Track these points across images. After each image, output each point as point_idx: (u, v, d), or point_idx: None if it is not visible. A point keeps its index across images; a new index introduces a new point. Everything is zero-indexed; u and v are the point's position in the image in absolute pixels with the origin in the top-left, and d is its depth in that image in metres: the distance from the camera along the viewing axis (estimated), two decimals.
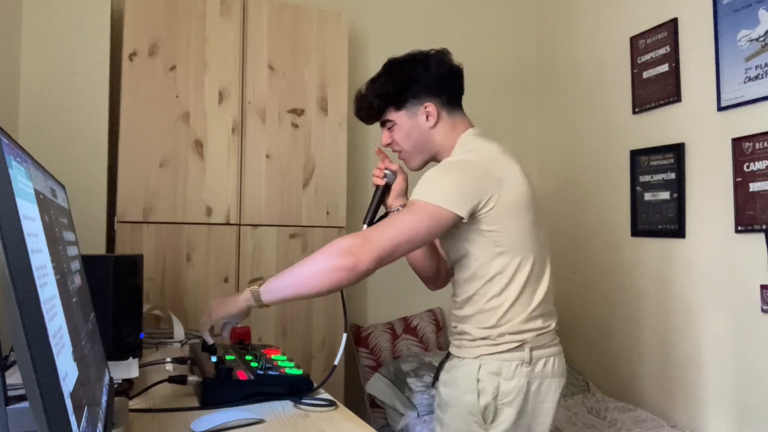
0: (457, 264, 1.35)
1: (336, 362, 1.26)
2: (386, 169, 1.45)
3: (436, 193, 1.22)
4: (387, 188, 1.46)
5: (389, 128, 1.41)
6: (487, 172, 1.25)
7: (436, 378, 1.45)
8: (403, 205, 1.40)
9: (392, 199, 1.46)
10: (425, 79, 1.36)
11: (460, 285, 1.36)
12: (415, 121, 1.37)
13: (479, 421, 1.28)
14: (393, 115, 1.38)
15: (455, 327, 1.39)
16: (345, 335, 1.31)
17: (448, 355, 1.42)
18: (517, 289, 1.29)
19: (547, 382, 1.31)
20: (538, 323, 1.31)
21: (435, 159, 1.41)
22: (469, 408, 1.29)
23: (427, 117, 1.36)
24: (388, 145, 1.43)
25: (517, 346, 1.28)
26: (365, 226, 1.38)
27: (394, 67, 1.40)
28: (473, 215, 1.23)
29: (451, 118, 1.39)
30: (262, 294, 1.22)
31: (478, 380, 1.28)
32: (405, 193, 1.46)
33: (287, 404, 1.06)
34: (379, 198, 1.46)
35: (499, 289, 1.29)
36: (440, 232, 1.23)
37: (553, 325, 1.35)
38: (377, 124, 1.44)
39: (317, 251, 1.19)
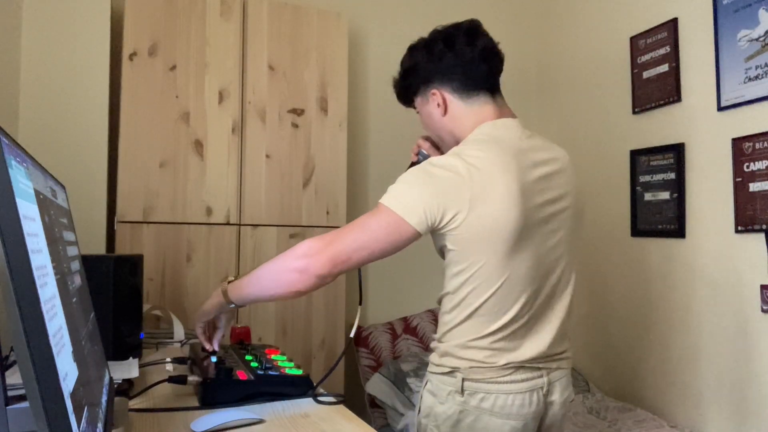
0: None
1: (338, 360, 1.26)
2: (420, 148, 1.39)
3: (401, 198, 1.10)
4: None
5: (418, 113, 1.35)
6: (460, 185, 1.08)
7: None
8: None
9: None
10: (427, 64, 1.25)
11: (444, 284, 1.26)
12: (429, 109, 1.29)
13: None
14: (417, 103, 1.33)
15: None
16: (353, 332, 1.29)
17: None
18: (467, 313, 1.14)
19: (486, 420, 1.14)
20: (479, 355, 1.14)
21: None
22: (412, 419, 1.25)
23: (438, 104, 1.26)
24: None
25: (450, 372, 1.16)
26: None
27: (408, 51, 1.32)
28: (434, 230, 1.11)
29: (467, 105, 1.23)
30: (228, 292, 1.20)
31: (420, 395, 1.23)
32: None
33: (287, 404, 1.06)
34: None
35: (451, 306, 1.17)
36: (402, 243, 1.10)
37: (504, 361, 1.15)
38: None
39: (280, 255, 1.14)
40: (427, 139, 1.40)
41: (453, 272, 1.15)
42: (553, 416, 1.25)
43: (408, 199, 1.09)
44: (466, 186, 1.08)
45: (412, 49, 1.30)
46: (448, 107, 1.25)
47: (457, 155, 1.13)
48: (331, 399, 1.09)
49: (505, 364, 1.15)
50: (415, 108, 1.35)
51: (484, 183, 1.09)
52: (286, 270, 1.09)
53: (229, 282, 1.21)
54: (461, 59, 1.23)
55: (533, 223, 1.13)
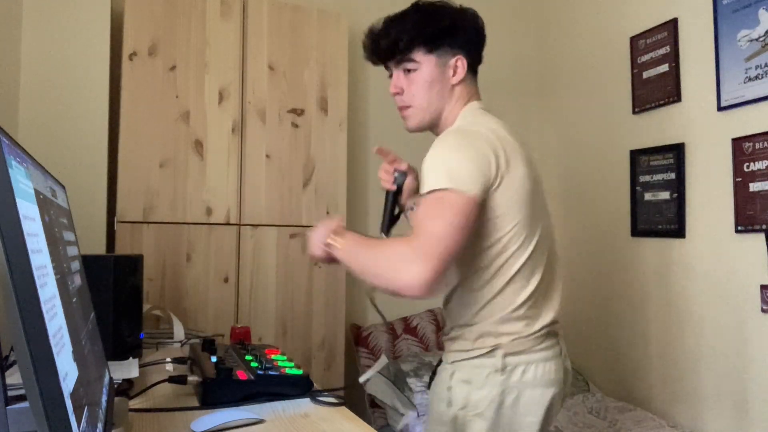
0: None
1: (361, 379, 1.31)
2: (395, 171, 1.32)
3: (459, 175, 1.07)
4: (398, 190, 1.33)
5: (407, 71, 1.23)
6: (497, 149, 1.12)
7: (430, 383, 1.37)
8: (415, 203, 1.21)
9: (405, 198, 1.34)
10: (465, 30, 1.23)
11: (449, 279, 1.22)
12: (442, 72, 1.22)
13: (450, 431, 1.18)
14: (421, 57, 1.21)
15: (444, 326, 1.31)
16: (384, 357, 1.30)
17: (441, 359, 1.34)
18: (501, 284, 1.16)
19: (529, 394, 1.15)
20: (517, 326, 1.16)
21: (434, 123, 1.26)
22: (440, 417, 1.20)
23: (454, 71, 1.22)
24: (397, 93, 1.26)
25: (489, 351, 1.16)
26: (383, 235, 1.29)
27: (430, 7, 1.23)
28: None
29: (468, 85, 1.25)
30: (338, 250, 1.17)
31: (449, 388, 1.19)
32: (418, 188, 1.29)
33: (287, 404, 1.06)
34: (391, 202, 1.33)
35: (482, 282, 1.17)
36: (476, 219, 1.08)
37: (538, 326, 1.18)
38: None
39: (391, 250, 1.07)
40: (387, 157, 1.36)
41: (486, 245, 1.15)
42: (568, 384, 1.28)
43: (464, 175, 1.08)
44: (500, 149, 1.13)
45: (444, 7, 1.23)
46: (462, 79, 1.24)
47: (477, 125, 1.17)
48: (331, 399, 1.08)
49: (538, 330, 1.18)
50: (399, 63, 1.24)
51: (508, 147, 1.15)
52: (398, 280, 1.03)
53: (340, 241, 1.17)
54: (481, 37, 1.27)
55: (537, 185, 1.21)
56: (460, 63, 1.23)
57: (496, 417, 1.14)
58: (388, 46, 1.22)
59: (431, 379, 1.34)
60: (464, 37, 1.23)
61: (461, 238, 1.05)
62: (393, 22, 1.23)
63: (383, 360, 1.42)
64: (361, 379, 1.33)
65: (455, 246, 1.04)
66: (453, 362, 1.21)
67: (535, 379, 1.16)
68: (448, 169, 1.08)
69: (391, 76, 1.28)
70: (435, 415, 1.24)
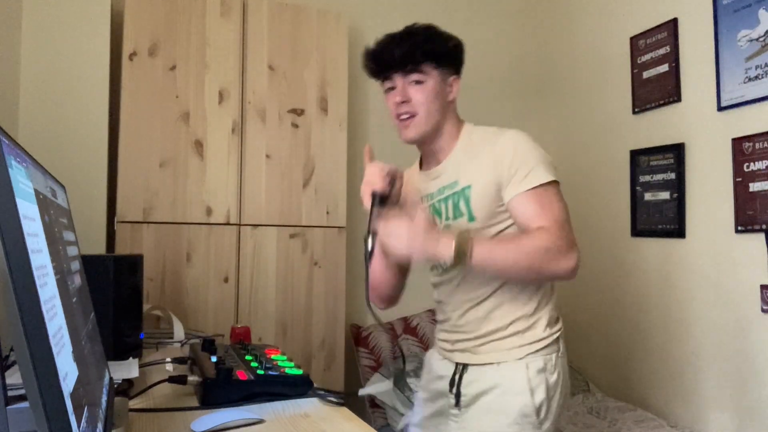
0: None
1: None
2: (374, 190, 1.26)
3: (552, 169, 1.25)
4: (382, 201, 1.26)
5: (415, 82, 1.28)
6: None
7: (457, 398, 1.33)
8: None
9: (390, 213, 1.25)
10: (461, 56, 1.37)
11: (484, 277, 1.28)
12: (443, 88, 1.31)
13: (533, 422, 1.24)
14: (429, 70, 1.29)
15: (473, 331, 1.31)
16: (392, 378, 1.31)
17: (464, 368, 1.33)
18: None
19: (563, 364, 1.32)
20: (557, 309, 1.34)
21: (431, 136, 1.32)
22: (522, 410, 1.24)
23: (451, 89, 1.34)
24: (403, 102, 1.28)
25: (558, 337, 1.30)
26: (369, 241, 1.24)
27: (438, 30, 1.35)
28: None
29: (455, 106, 1.38)
30: (473, 258, 1.12)
31: (529, 380, 1.25)
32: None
33: (287, 404, 1.06)
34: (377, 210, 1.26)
35: None
36: None
37: None
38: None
39: (531, 245, 1.15)
40: (367, 183, 1.30)
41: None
42: None
43: (549, 163, 1.26)
44: None
45: (449, 33, 1.36)
46: (455, 95, 1.35)
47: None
48: (332, 399, 1.08)
49: None
50: (402, 69, 1.28)
51: None
52: (555, 268, 1.16)
53: (469, 245, 1.13)
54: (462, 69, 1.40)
55: None
56: (455, 83, 1.35)
57: (563, 390, 1.29)
58: (403, 54, 1.27)
59: (457, 396, 1.32)
60: (460, 62, 1.36)
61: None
62: (406, 35, 1.31)
63: (382, 384, 1.47)
64: (361, 393, 1.35)
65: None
66: (526, 356, 1.27)
67: (565, 350, 1.34)
68: (547, 163, 1.25)
69: (389, 89, 1.32)
70: (510, 412, 1.25)
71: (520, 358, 1.27)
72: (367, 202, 1.26)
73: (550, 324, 1.30)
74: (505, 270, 1.19)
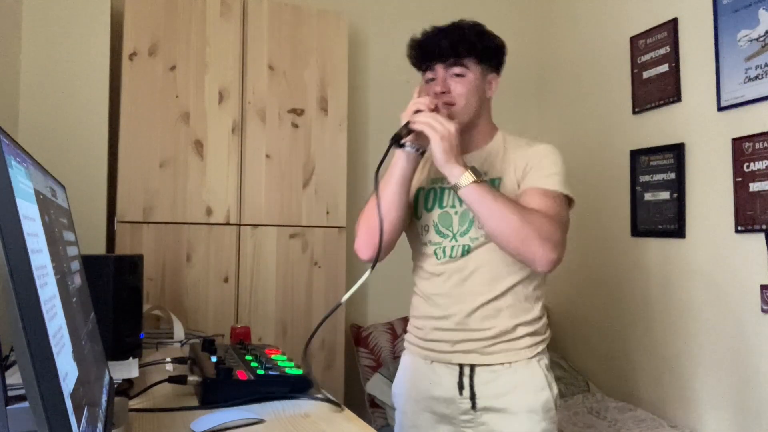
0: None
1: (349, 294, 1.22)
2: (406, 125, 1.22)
3: (567, 183, 1.30)
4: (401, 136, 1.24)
5: (455, 75, 1.31)
6: None
7: (472, 401, 1.30)
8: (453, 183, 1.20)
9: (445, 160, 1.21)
10: (503, 57, 1.40)
11: (497, 272, 1.29)
12: (482, 84, 1.35)
13: (553, 415, 1.30)
14: (471, 65, 1.32)
15: (482, 330, 1.29)
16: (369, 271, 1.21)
17: (471, 369, 1.30)
18: (542, 277, 1.36)
19: None
20: None
21: (466, 127, 1.32)
22: (545, 406, 1.29)
23: (490, 86, 1.37)
24: (443, 93, 1.30)
25: (549, 334, 1.37)
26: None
27: (484, 28, 1.39)
28: None
29: (491, 104, 1.43)
30: (472, 187, 1.17)
31: (545, 375, 1.31)
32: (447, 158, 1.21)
33: (287, 404, 1.06)
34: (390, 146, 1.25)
35: (540, 277, 1.34)
36: None
37: None
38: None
39: (533, 217, 1.18)
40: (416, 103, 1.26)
41: None
42: None
43: (568, 182, 1.31)
44: None
45: (500, 38, 1.40)
46: (493, 92, 1.39)
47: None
48: (330, 397, 1.08)
49: None
50: (446, 60, 1.31)
51: None
52: (539, 247, 1.17)
53: (479, 180, 1.18)
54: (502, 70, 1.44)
55: None
56: (495, 82, 1.38)
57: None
58: (449, 45, 1.31)
59: (472, 399, 1.30)
60: (502, 60, 1.40)
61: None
62: (452, 29, 1.35)
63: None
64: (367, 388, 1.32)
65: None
66: (537, 354, 1.31)
67: None
68: (566, 177, 1.31)
69: (429, 80, 1.35)
70: (536, 410, 1.28)
71: (531, 357, 1.30)
72: (407, 115, 1.23)
73: (546, 325, 1.37)
74: (496, 219, 1.18)
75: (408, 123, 1.22)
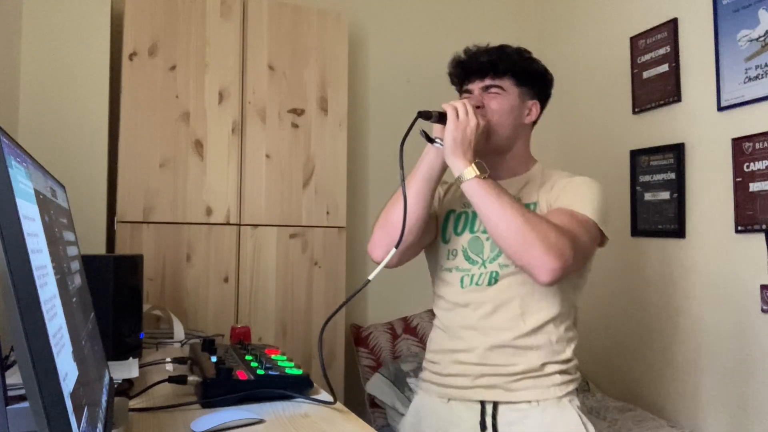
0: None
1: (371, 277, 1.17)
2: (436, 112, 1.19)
3: (602, 213, 1.21)
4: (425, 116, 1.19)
5: (491, 92, 1.27)
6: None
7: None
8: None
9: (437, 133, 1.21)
10: (548, 85, 1.36)
11: (527, 308, 1.21)
12: (520, 107, 1.30)
13: None
14: (508, 86, 1.28)
15: (506, 366, 1.20)
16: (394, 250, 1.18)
17: (494, 407, 1.21)
18: (575, 316, 1.30)
19: None
20: None
21: (500, 149, 1.29)
22: None
23: (529, 112, 1.32)
24: (477, 108, 1.23)
25: (578, 375, 1.28)
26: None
27: (533, 56, 1.34)
28: None
29: (530, 133, 1.37)
30: (475, 181, 1.12)
31: (579, 415, 1.20)
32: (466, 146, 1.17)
33: (287, 404, 1.06)
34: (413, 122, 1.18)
35: (574, 317, 1.28)
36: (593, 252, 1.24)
37: None
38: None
39: (540, 223, 1.10)
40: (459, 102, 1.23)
41: (579, 284, 1.29)
42: None
43: (604, 216, 1.22)
44: None
45: (546, 68, 1.36)
46: (533, 118, 1.33)
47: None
48: (326, 399, 1.08)
49: None
50: (483, 78, 1.28)
51: None
52: (542, 254, 1.08)
53: (484, 177, 1.13)
54: (548, 101, 1.39)
55: None
56: (535, 108, 1.33)
57: None
58: (488, 62, 1.27)
59: (488, 425, 1.22)
60: (545, 88, 1.35)
61: (585, 264, 1.22)
62: (495, 48, 1.30)
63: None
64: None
65: (581, 266, 1.19)
66: (568, 393, 1.22)
67: None
68: (603, 210, 1.22)
69: (466, 93, 1.33)
70: None
71: (562, 396, 1.20)
72: (448, 107, 1.19)
73: (577, 364, 1.27)
74: (497, 217, 1.11)
75: (436, 113, 1.19)
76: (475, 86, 1.29)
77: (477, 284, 1.24)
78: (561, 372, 1.21)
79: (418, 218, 1.22)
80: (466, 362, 1.23)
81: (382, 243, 1.24)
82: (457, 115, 1.15)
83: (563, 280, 1.12)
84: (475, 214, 1.28)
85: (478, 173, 1.13)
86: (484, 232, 1.26)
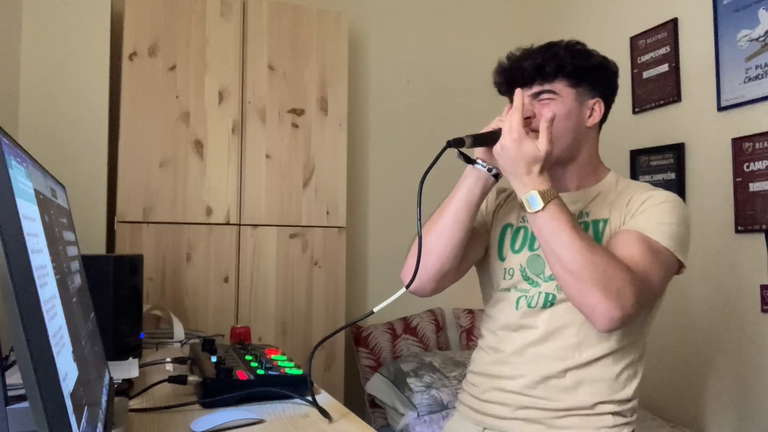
0: None
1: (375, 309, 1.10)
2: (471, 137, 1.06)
3: (681, 242, 1.06)
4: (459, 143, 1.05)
5: (542, 100, 1.13)
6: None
7: None
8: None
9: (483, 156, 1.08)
10: (610, 76, 1.21)
11: (585, 338, 1.08)
12: (579, 109, 1.15)
13: None
14: (561, 88, 1.13)
15: (552, 401, 1.08)
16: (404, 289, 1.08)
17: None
18: (642, 353, 1.14)
19: None
20: None
21: (561, 159, 1.16)
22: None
23: (591, 113, 1.17)
24: (528, 118, 1.09)
25: (635, 418, 1.15)
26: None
27: (579, 45, 1.20)
28: None
29: (598, 135, 1.22)
30: (541, 215, 0.98)
31: None
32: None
33: (287, 404, 1.06)
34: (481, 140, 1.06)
35: (639, 351, 1.12)
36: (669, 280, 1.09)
37: None
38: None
39: (605, 261, 0.96)
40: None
41: (648, 317, 1.14)
42: None
43: (684, 243, 1.08)
44: None
45: (593, 50, 1.21)
46: (596, 119, 1.20)
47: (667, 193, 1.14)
48: (325, 400, 1.08)
49: None
50: (531, 85, 1.14)
51: None
52: (601, 300, 0.95)
53: (551, 199, 0.99)
54: (616, 89, 1.25)
55: None
56: (598, 106, 1.18)
57: None
58: (532, 68, 1.12)
59: None
60: (607, 82, 1.20)
61: (654, 304, 1.10)
62: (541, 48, 1.16)
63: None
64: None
65: (647, 309, 1.08)
66: (610, 427, 1.09)
67: None
68: (683, 235, 1.07)
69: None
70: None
71: (603, 428, 1.08)
72: (496, 123, 1.06)
73: (635, 406, 1.14)
74: (554, 250, 0.97)
75: (479, 135, 1.05)
76: (529, 92, 1.14)
77: (531, 307, 1.12)
78: (615, 413, 1.09)
79: (455, 246, 1.11)
80: (509, 390, 1.11)
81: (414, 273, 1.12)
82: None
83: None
84: (523, 228, 1.20)
85: (542, 204, 0.98)
86: None
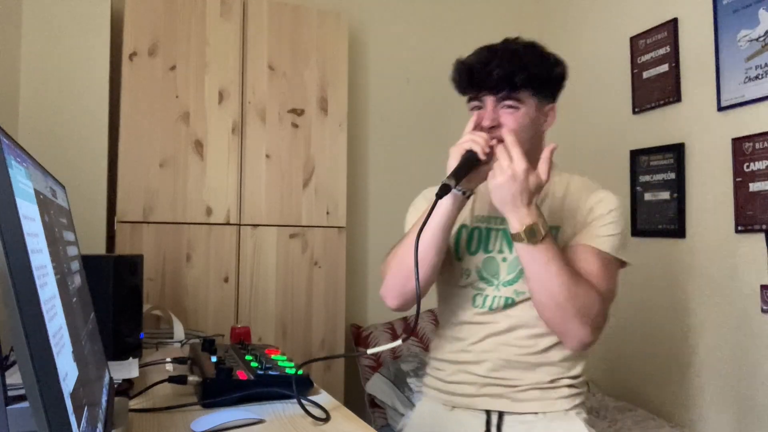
0: None
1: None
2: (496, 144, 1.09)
3: (624, 246, 1.19)
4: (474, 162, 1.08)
5: (507, 108, 1.14)
6: None
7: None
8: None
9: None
10: (564, 82, 1.25)
11: (540, 330, 1.19)
12: (537, 116, 1.18)
13: None
14: (526, 97, 1.15)
15: (514, 380, 1.18)
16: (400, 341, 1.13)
17: (500, 417, 1.18)
18: None
19: None
20: None
21: None
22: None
23: (546, 118, 1.21)
24: (493, 127, 1.13)
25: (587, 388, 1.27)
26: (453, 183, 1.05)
27: (545, 51, 1.23)
28: None
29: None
30: (535, 247, 1.04)
31: (587, 429, 1.19)
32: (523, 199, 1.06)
33: (287, 404, 1.06)
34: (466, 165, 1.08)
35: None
36: None
37: None
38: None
39: (582, 293, 1.07)
40: (468, 140, 1.12)
41: None
42: None
43: (626, 243, 1.21)
44: None
45: (555, 55, 1.26)
46: (550, 124, 1.24)
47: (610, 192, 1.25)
48: (319, 410, 1.08)
49: None
50: (497, 92, 1.14)
51: None
52: (577, 327, 1.09)
53: (544, 236, 1.05)
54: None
55: None
56: (552, 112, 1.23)
57: None
58: (501, 77, 1.13)
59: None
60: (561, 87, 1.25)
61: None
62: (507, 54, 1.15)
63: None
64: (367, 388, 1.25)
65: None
66: (575, 406, 1.20)
67: None
68: (624, 236, 1.19)
69: (475, 108, 1.19)
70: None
71: (569, 409, 1.19)
72: (454, 159, 1.08)
73: (585, 380, 1.26)
74: (543, 282, 1.07)
75: (457, 170, 1.06)
76: (488, 101, 1.15)
77: (491, 308, 1.20)
78: (569, 386, 1.20)
79: (434, 266, 1.17)
80: (473, 373, 1.20)
81: (396, 292, 1.22)
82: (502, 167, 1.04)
83: None
84: (488, 231, 1.23)
85: (541, 237, 1.05)
86: (500, 251, 1.21)
